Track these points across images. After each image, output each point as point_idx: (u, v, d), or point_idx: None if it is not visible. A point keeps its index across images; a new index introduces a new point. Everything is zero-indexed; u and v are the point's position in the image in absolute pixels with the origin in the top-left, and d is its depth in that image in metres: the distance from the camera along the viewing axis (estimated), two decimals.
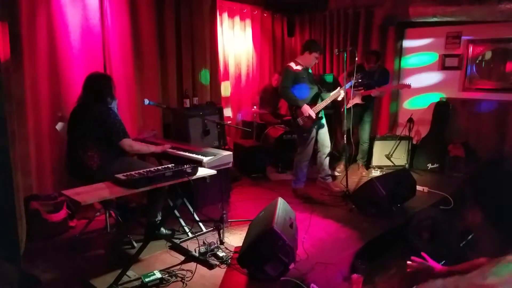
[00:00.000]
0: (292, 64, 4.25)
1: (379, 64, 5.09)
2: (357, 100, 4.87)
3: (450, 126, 5.40)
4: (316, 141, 4.36)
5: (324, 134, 4.39)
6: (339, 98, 4.24)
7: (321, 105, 4.21)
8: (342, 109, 4.62)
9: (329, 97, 4.23)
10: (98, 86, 3.05)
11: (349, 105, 4.53)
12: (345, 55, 4.26)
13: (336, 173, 5.24)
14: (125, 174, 2.54)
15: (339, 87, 4.27)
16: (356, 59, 4.21)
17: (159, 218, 3.15)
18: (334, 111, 5.72)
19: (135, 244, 3.12)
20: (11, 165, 2.18)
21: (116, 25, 3.96)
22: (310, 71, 4.37)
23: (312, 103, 4.21)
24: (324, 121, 4.37)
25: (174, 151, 3.39)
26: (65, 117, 3.46)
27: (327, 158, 4.47)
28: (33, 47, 3.43)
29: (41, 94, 3.55)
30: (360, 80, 4.40)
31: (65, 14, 3.60)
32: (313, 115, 4.12)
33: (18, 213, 2.24)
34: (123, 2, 3.98)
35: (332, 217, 3.74)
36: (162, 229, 3.19)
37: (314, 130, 4.27)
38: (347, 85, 4.23)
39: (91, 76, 3.10)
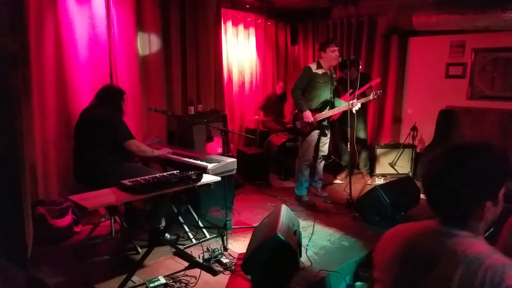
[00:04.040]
0: (313, 65, 4.16)
1: (356, 71, 4.94)
2: (357, 107, 4.83)
3: (454, 135, 5.40)
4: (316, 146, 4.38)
5: (324, 142, 4.41)
6: (354, 110, 4.18)
7: (326, 114, 4.22)
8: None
9: (337, 109, 4.25)
10: (113, 96, 3.12)
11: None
12: (348, 63, 4.28)
13: (338, 181, 5.24)
14: (131, 180, 2.57)
15: (351, 101, 4.14)
16: (360, 67, 4.23)
17: (163, 224, 3.17)
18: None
19: (140, 250, 3.14)
20: (19, 171, 2.21)
21: (122, 33, 4.02)
22: (334, 75, 4.32)
23: (318, 110, 4.22)
24: (327, 130, 4.39)
25: (179, 157, 3.42)
26: (71, 124, 3.49)
27: (322, 162, 4.52)
28: (41, 54, 3.48)
29: (48, 101, 3.59)
30: (377, 96, 4.26)
31: (72, 22, 3.65)
32: (310, 120, 4.10)
33: (25, 218, 2.26)
34: (130, 10, 4.04)
35: (336, 225, 3.74)
36: (167, 235, 3.20)
37: (316, 135, 4.28)
38: (364, 100, 4.27)
39: (108, 87, 3.19)
